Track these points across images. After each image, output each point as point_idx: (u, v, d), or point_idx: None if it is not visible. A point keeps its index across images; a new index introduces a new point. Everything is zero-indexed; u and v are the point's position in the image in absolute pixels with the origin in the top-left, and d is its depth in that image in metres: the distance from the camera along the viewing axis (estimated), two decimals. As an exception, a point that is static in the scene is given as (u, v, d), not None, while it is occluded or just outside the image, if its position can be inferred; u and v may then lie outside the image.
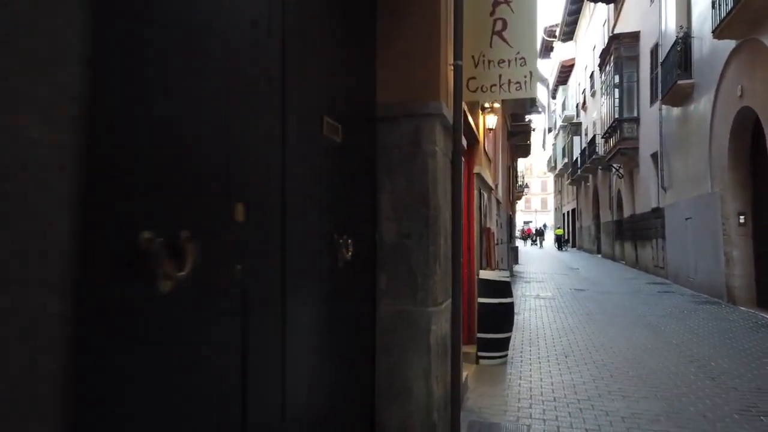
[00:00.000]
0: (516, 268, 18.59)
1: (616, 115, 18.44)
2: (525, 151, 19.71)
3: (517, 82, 3.70)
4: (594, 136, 25.79)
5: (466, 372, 4.59)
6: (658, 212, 15.74)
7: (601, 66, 20.85)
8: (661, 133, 15.00)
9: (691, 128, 12.41)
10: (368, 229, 3.11)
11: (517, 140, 16.87)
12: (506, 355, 5.62)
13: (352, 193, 2.82)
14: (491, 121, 6.40)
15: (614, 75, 18.67)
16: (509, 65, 3.70)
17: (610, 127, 19.40)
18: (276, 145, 1.91)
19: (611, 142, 20.04)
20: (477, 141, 5.96)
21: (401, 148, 3.17)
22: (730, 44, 9.65)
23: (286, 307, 1.93)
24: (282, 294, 1.91)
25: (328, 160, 2.47)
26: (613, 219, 24.12)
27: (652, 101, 16.15)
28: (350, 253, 2.59)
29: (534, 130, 15.80)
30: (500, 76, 3.73)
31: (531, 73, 3.69)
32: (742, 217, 9.91)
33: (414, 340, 3.07)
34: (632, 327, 7.94)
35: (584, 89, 32.23)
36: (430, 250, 3.11)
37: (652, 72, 16.21)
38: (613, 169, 22.02)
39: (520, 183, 32.95)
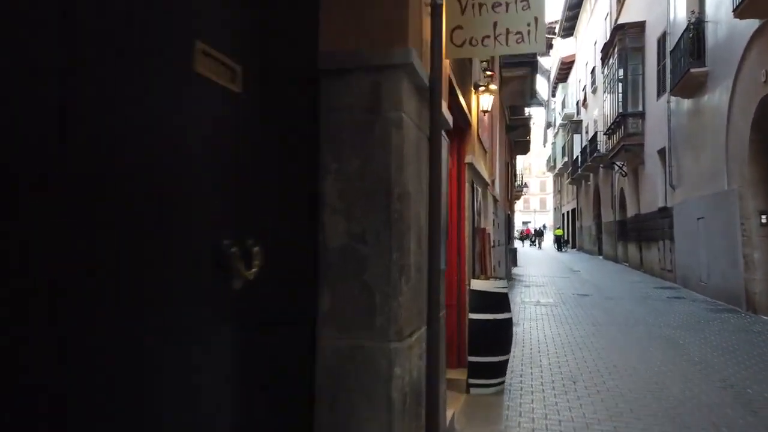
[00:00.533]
0: (515, 270, 17.65)
1: (620, 110, 17.50)
2: (524, 147, 18.79)
3: (518, 32, 2.76)
4: (595, 134, 24.88)
5: (453, 409, 3.65)
6: (665, 212, 14.82)
7: (604, 59, 19.92)
8: (669, 127, 14.08)
9: (705, 121, 11.49)
10: (301, 229, 2.17)
11: (516, 135, 15.95)
12: (503, 382, 4.67)
13: (270, 175, 1.88)
14: (486, 101, 5.46)
15: (618, 68, 17.74)
16: (507, 9, 2.76)
17: (613, 123, 18.48)
18: (53, 80, 0.98)
19: (614, 138, 19.12)
20: (469, 125, 5.02)
21: (353, 114, 2.23)
22: (752, 25, 8.73)
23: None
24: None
25: (212, 120, 1.52)
26: (615, 219, 23.20)
27: (660, 94, 15.22)
28: (256, 267, 1.65)
29: (534, 123, 14.86)
30: (495, 24, 2.79)
31: (536, 19, 2.75)
32: (764, 216, 8.98)
33: (368, 389, 2.13)
34: (646, 340, 7.01)
35: (585, 86, 31.34)
36: (394, 258, 2.17)
37: (659, 63, 15.29)
38: (616, 167, 21.10)
39: (519, 182, 32.09)
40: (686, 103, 12.76)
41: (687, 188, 12.86)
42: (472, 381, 4.52)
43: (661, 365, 5.66)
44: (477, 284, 4.62)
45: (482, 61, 5.83)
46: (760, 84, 8.55)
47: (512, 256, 15.13)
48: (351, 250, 2.20)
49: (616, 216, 23.08)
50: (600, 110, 25.44)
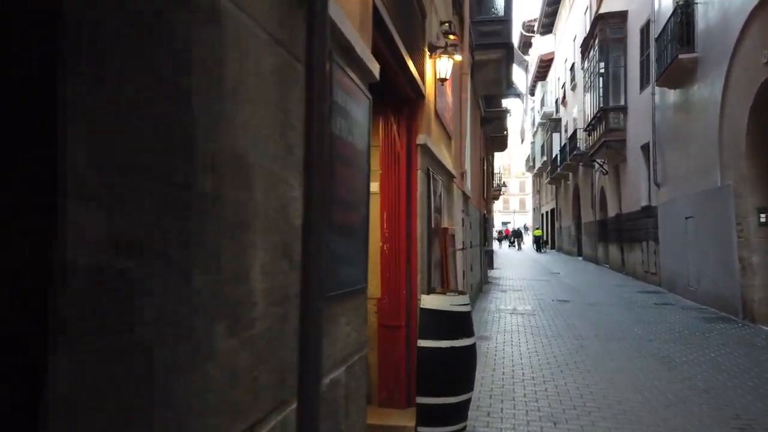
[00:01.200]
0: (491, 273, 16.67)
1: (601, 104, 16.64)
2: (501, 143, 17.84)
3: None
4: (575, 131, 24.09)
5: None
6: (649, 211, 13.96)
7: (584, 53, 19.08)
8: (654, 121, 13.21)
9: (694, 112, 10.60)
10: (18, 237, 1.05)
11: (493, 130, 14.97)
12: (464, 429, 3.59)
13: None
14: (444, 67, 4.34)
15: (599, 60, 16.89)
16: None
17: (594, 118, 17.62)
18: None
19: (595, 135, 18.29)
20: (422, 95, 3.93)
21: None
22: (751, 1, 7.82)
23: None
24: None
25: None
26: (595, 219, 22.41)
27: (643, 87, 14.37)
28: None
29: (510, 114, 13.90)
30: None
31: None
32: (763, 215, 8.08)
33: None
34: (637, 359, 6.01)
35: (564, 83, 30.65)
36: (198, 285, 1.07)
37: (642, 54, 14.44)
38: (597, 165, 20.29)
39: (497, 181, 31.21)
40: (673, 95, 11.88)
41: (673, 186, 11.99)
42: (421, 430, 3.42)
43: (660, 395, 4.64)
44: (429, 301, 3.53)
45: (442, 23, 4.76)
46: (761, 66, 7.63)
47: (488, 259, 14.13)
48: (113, 274, 1.08)
49: (596, 216, 22.29)
50: (580, 107, 24.66)
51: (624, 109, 16.18)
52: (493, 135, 16.40)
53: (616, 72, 16.48)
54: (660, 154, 12.97)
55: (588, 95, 18.82)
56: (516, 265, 21.97)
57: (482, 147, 13.37)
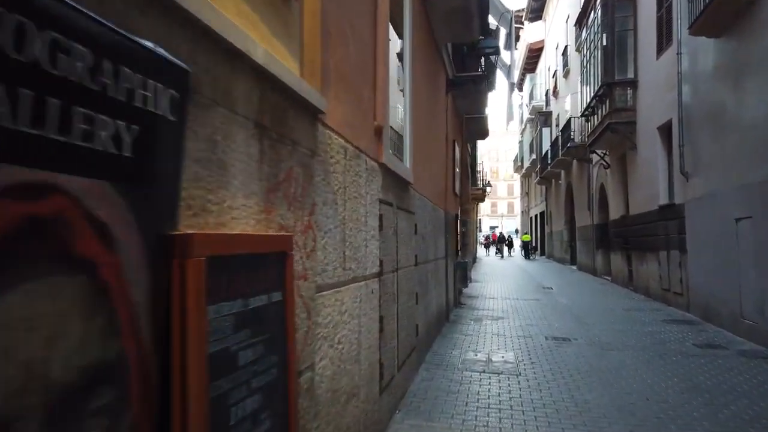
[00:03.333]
0: (467, 291, 13.26)
1: (605, 78, 13.31)
2: (480, 128, 14.45)
3: None
4: (569, 120, 20.83)
5: None
6: (671, 211, 10.64)
7: (582, 19, 15.80)
8: (680, 90, 9.89)
9: (751, 69, 7.29)
10: None
11: (468, 106, 11.57)
12: None
13: None
14: None
15: (602, 25, 13.59)
16: None
17: (594, 99, 14.30)
18: None
19: (594, 120, 14.99)
20: None
21: None
22: None
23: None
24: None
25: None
26: (593, 222, 19.13)
27: (662, 50, 11.07)
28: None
29: (486, 75, 10.48)
30: None
31: None
32: None
33: None
34: None
35: (555, 71, 27.48)
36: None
37: (660, 7, 11.14)
38: (595, 159, 17.01)
39: (482, 179, 27.77)
40: (713, 50, 8.55)
41: (713, 175, 8.66)
42: None
43: None
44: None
45: None
46: None
47: (461, 274, 10.71)
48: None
49: (593, 219, 19.00)
50: (574, 96, 21.41)
51: (633, 84, 12.87)
52: (469, 116, 13.01)
53: (622, 38, 13.17)
54: (689, 135, 9.65)
55: (589, 67, 15.48)
56: (500, 277, 18.59)
57: (451, 124, 9.98)
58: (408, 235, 5.04)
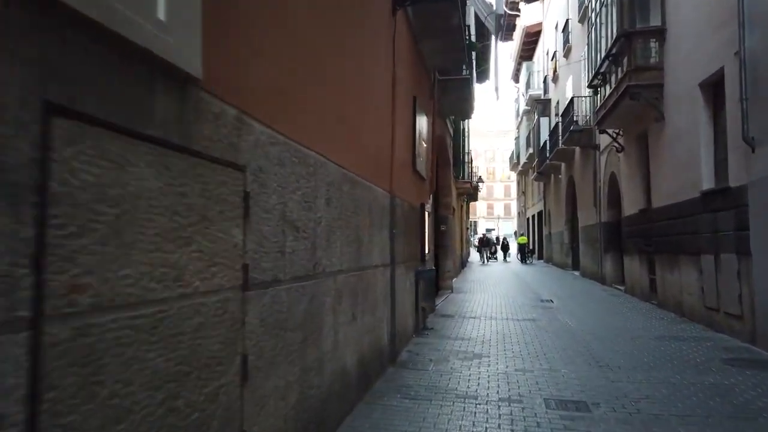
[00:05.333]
0: (443, 306, 10.14)
1: (623, 27, 10.19)
2: (462, 98, 11.33)
3: None
4: (571, 100, 17.76)
5: None
6: (723, 198, 7.56)
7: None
8: (741, 22, 6.79)
9: None
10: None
11: (438, 58, 8.46)
12: None
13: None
14: None
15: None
16: None
17: (606, 58, 11.19)
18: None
19: (604, 91, 11.91)
20: None
21: None
22: None
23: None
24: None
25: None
26: (599, 221, 16.06)
27: (704, -24, 8.01)
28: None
29: (466, 26, 7.40)
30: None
31: None
32: None
33: None
34: None
35: (555, 53, 24.46)
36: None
37: None
38: (604, 142, 13.94)
39: (471, 172, 24.58)
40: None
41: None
42: None
43: None
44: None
45: None
46: None
47: (426, 287, 7.56)
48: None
49: (601, 216, 15.92)
50: (578, 69, 18.37)
51: (660, 33, 9.78)
52: (445, 77, 9.93)
53: (644, -22, 10.09)
54: (755, 86, 6.57)
55: (593, 35, 12.39)
56: (490, 286, 15.46)
57: (407, 70, 6.87)
58: (343, 235, 1.99)
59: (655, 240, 10.54)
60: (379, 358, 5.08)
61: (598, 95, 12.55)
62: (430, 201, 9.37)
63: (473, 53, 12.03)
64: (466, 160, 19.94)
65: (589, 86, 13.04)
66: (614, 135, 12.68)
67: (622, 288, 13.59)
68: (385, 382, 4.96)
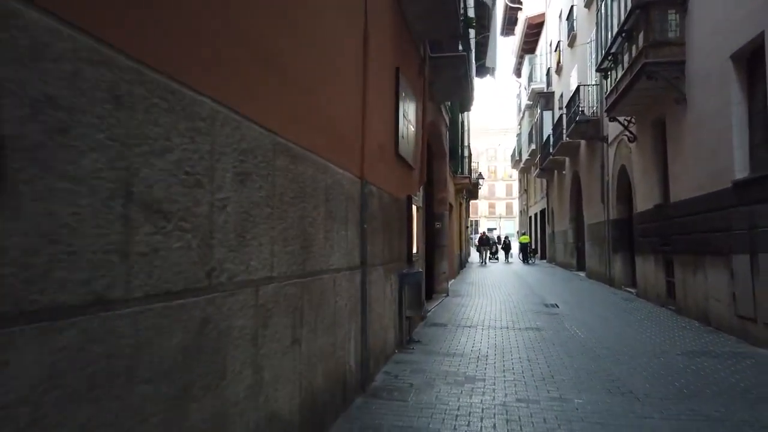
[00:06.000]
0: (436, 312, 9.01)
1: (638, -2, 9.04)
2: (455, 84, 10.18)
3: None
4: (577, 89, 16.61)
5: None
6: (762, 188, 6.41)
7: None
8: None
9: None
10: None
11: (424, 25, 7.31)
12: None
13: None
14: None
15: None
16: None
17: (618, 35, 10.03)
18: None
19: (615, 74, 10.76)
20: None
21: None
22: None
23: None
24: None
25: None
26: (607, 218, 14.93)
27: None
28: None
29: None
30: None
31: None
32: None
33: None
34: None
35: (558, 43, 23.31)
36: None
37: None
38: (613, 132, 12.79)
39: (472, 169, 23.40)
40: None
41: None
42: None
43: None
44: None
45: None
46: None
47: (412, 293, 6.40)
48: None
49: (609, 213, 14.78)
50: (582, 65, 17.24)
51: (682, 2, 8.62)
52: (438, 55, 8.80)
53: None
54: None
55: (605, 8, 11.23)
56: (490, 288, 14.33)
57: (386, 32, 5.74)
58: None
59: (673, 238, 9.39)
60: (341, 390, 3.95)
61: (608, 80, 11.39)
62: (421, 194, 8.24)
63: (470, 30, 10.89)
64: (465, 154, 18.77)
65: (598, 70, 11.88)
66: (626, 123, 11.52)
67: (633, 291, 12.45)
68: (347, 422, 3.81)
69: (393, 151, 6.06)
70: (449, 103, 13.43)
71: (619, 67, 10.42)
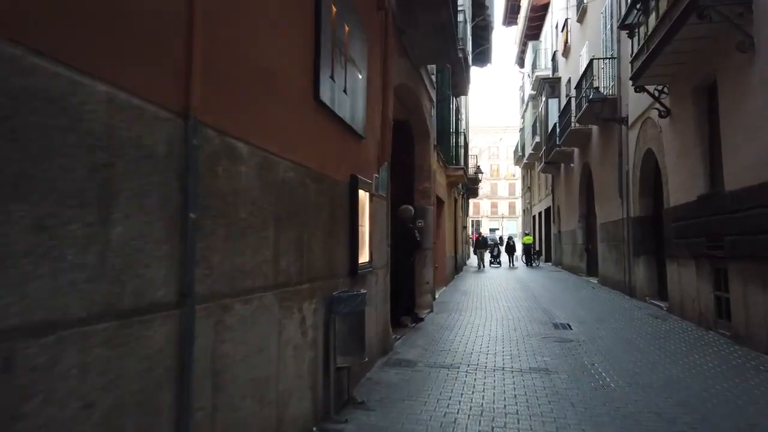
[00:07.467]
0: (408, 345, 6.58)
1: None
2: (436, 36, 7.72)
3: None
4: (590, 62, 14.13)
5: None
6: None
7: None
8: None
9: None
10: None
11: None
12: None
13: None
14: None
15: None
16: None
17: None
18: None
19: (651, 20, 8.31)
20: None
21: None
22: None
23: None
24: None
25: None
26: (627, 215, 12.47)
27: None
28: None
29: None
30: None
31: None
32: None
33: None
34: None
35: (566, 21, 20.84)
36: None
37: None
38: (638, 109, 10.32)
39: (470, 164, 20.85)
40: None
41: None
42: None
43: None
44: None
45: None
46: None
47: (350, 325, 3.99)
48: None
49: (629, 210, 12.31)
50: (593, 41, 14.78)
51: None
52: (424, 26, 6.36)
53: None
54: None
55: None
56: (487, 300, 11.84)
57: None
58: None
59: (728, 239, 6.93)
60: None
61: (636, 37, 8.91)
62: (379, 177, 5.79)
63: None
64: (460, 142, 16.27)
65: (622, 27, 9.40)
66: (656, 93, 9.05)
67: (663, 305, 9.98)
68: None
69: (308, 93, 3.61)
70: (435, 75, 11.00)
71: (652, 17, 7.96)
